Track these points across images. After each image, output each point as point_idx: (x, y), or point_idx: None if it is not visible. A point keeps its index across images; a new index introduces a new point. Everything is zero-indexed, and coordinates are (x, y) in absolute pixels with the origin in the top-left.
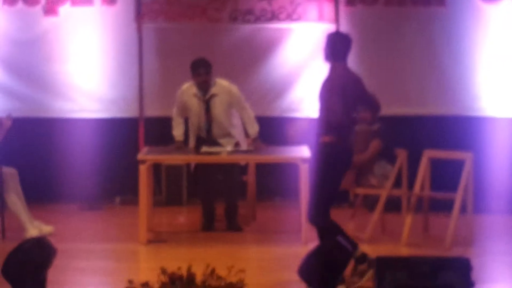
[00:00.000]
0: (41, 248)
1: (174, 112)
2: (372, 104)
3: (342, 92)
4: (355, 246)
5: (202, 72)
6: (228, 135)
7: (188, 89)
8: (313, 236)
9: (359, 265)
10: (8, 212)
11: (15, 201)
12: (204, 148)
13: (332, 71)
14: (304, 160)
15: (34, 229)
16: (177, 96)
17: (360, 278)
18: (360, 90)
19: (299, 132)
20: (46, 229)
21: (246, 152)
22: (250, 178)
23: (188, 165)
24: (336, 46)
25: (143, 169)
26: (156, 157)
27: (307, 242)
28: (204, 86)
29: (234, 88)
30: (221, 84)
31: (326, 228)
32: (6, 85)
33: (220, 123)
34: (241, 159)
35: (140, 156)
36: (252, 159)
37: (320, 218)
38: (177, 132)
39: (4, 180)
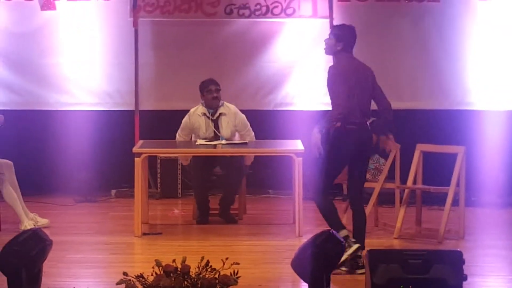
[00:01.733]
0: (36, 240)
1: (177, 135)
2: (379, 99)
3: (345, 80)
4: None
5: (213, 88)
6: None
7: (196, 110)
8: (307, 229)
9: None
10: (4, 204)
11: (11, 192)
12: (199, 141)
13: (338, 60)
14: (298, 153)
15: (29, 221)
16: (184, 121)
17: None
18: (366, 80)
19: None
20: (42, 221)
21: (241, 144)
22: None
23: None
24: (343, 37)
25: (138, 162)
26: (151, 150)
27: (301, 234)
28: (214, 103)
29: (240, 113)
30: (229, 106)
31: (322, 209)
32: (2, 78)
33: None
34: (236, 152)
35: (135, 149)
36: (248, 152)
37: (318, 196)
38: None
39: (0, 172)
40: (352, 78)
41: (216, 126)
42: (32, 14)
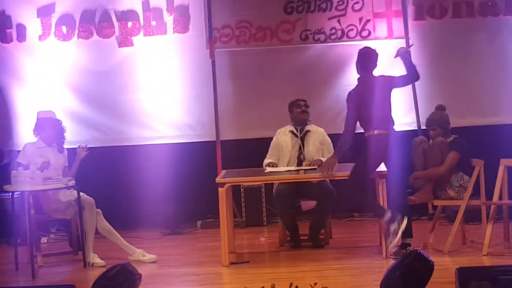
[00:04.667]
0: (125, 275)
1: (265, 159)
2: (411, 72)
3: (356, 100)
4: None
5: (302, 103)
6: None
7: (284, 129)
8: (394, 250)
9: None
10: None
11: (108, 228)
12: (282, 168)
13: (358, 81)
14: (381, 175)
15: (139, 251)
16: (272, 142)
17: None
18: (383, 90)
19: None
20: (150, 256)
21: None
22: None
23: (267, 186)
24: (362, 59)
25: (222, 192)
26: (234, 180)
27: (388, 256)
28: (303, 117)
29: (326, 135)
30: (315, 126)
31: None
32: (84, 116)
33: (311, 160)
34: (316, 177)
35: (218, 179)
36: (328, 177)
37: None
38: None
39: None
40: (364, 96)
41: (302, 143)
42: (110, 51)
